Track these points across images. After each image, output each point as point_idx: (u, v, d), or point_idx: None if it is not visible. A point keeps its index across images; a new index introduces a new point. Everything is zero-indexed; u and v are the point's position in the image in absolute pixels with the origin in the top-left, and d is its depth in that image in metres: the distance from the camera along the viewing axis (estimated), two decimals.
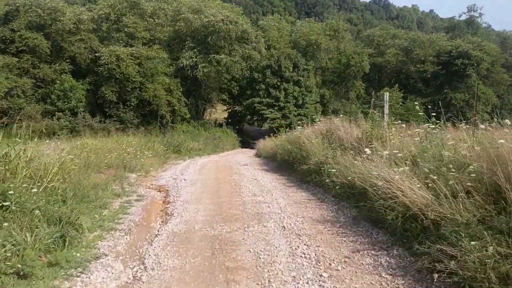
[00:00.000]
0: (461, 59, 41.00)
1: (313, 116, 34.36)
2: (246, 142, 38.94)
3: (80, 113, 23.02)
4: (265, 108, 32.54)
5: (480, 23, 57.16)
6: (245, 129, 45.00)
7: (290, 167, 10.84)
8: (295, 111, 32.84)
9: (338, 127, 9.61)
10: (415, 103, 40.42)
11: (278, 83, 32.84)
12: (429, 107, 10.08)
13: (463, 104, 42.17)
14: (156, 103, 25.72)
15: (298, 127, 12.76)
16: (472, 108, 42.02)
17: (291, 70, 32.76)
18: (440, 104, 9.08)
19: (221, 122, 39.11)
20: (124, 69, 23.62)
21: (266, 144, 17.96)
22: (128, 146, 12.30)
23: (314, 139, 9.82)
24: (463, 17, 58.85)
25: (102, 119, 23.85)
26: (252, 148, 34.80)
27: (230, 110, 40.32)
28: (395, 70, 45.95)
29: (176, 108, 27.85)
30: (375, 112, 9.34)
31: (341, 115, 13.43)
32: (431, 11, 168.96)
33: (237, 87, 38.68)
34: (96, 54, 24.77)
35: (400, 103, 40.70)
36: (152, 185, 9.61)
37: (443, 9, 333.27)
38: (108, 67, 23.40)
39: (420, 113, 8.20)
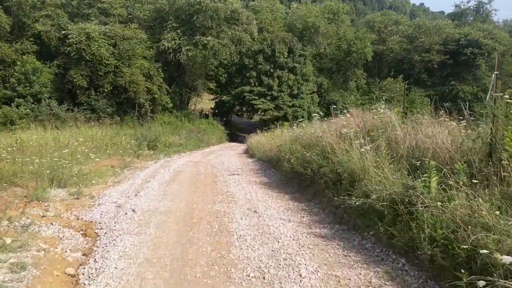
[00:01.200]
0: (470, 48, 39.96)
1: (309, 108, 33.11)
2: (234, 135, 37.50)
3: (45, 100, 21.18)
4: (256, 97, 31.05)
5: (489, 10, 56.05)
6: (233, 121, 43.51)
7: (309, 184, 7.73)
8: (289, 101, 31.39)
9: (393, 125, 6.21)
10: (421, 95, 39.57)
11: (271, 70, 31.34)
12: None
13: (471, 97, 41.24)
14: (133, 90, 23.99)
15: (315, 119, 9.90)
16: (480, 102, 41.11)
17: (285, 56, 31.26)
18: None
19: (207, 113, 37.54)
20: (95, 50, 21.80)
21: (260, 141, 16.33)
22: (89, 141, 10.56)
23: (356, 146, 5.99)
24: (471, 3, 57.83)
25: (71, 107, 22.06)
26: (241, 142, 33.35)
27: (217, 100, 38.75)
28: (398, 59, 44.78)
29: (156, 96, 26.19)
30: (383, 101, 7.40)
31: (346, 108, 11.69)
32: (422, 4, 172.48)
33: (225, 75, 37.11)
34: (64, 32, 22.86)
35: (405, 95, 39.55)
36: (77, 219, 5.78)
37: (432, 2, 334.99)
38: (77, 47, 21.57)
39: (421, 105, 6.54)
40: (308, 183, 7.76)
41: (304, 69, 32.71)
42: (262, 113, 31.34)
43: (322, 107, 35.33)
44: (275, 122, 31.47)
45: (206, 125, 29.87)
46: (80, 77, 22.20)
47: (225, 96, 36.28)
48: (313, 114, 21.43)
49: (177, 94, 32.66)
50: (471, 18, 54.60)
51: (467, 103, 5.60)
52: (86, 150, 9.54)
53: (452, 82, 41.43)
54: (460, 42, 41.28)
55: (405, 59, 44.15)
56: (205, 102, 42.28)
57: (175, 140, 17.94)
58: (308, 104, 32.39)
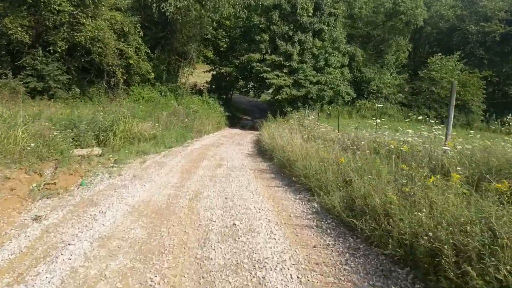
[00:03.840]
0: None
1: (339, 86, 28.26)
2: (236, 118, 32.83)
3: None
4: (269, 69, 26.04)
5: None
6: (234, 101, 38.68)
7: None
8: (313, 76, 26.39)
9: None
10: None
11: (290, 33, 26.28)
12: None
13: None
14: (98, 52, 19.18)
15: None
16: None
17: (310, 14, 26.11)
18: None
19: (201, 88, 32.68)
20: None
21: (285, 138, 11.48)
22: None
23: None
24: None
25: (8, 71, 17.22)
26: (244, 128, 28.74)
27: (215, 73, 33.80)
28: (443, 31, 39.65)
29: (132, 62, 21.45)
30: None
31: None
32: None
33: (227, 39, 32.16)
34: None
35: (457, 76, 34.82)
36: None
37: None
38: None
39: None
40: None
41: (335, 34, 27.61)
42: (276, 91, 26.39)
43: (352, 85, 30.47)
44: (292, 104, 26.84)
45: (200, 105, 25.02)
46: (20, 29, 17.28)
47: (225, 68, 31.33)
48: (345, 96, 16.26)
49: (163, 61, 27.90)
50: None
51: None
52: None
53: None
54: None
55: (457, 29, 38.98)
56: (199, 75, 37.42)
57: (147, 128, 12.80)
58: (337, 81, 27.41)
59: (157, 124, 14.73)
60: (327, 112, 26.14)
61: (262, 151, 14.42)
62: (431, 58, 35.96)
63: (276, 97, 25.93)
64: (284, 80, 25.73)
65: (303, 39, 26.04)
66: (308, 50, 26.55)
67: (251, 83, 31.13)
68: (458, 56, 35.05)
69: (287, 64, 26.02)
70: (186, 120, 17.98)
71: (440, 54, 35.55)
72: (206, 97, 27.32)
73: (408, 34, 34.32)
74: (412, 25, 32.75)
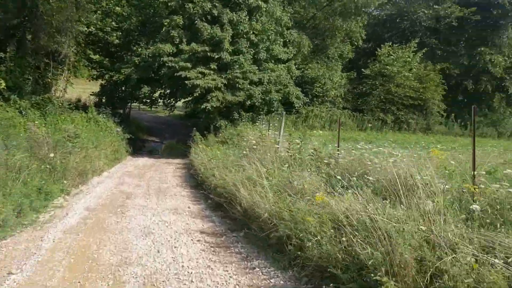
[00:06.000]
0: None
1: (287, 88, 21.66)
2: (140, 141, 25.12)
3: None
4: (188, 65, 18.52)
5: None
6: (133, 117, 30.59)
7: None
8: (254, 73, 19.37)
9: None
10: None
11: (216, 12, 19.13)
12: None
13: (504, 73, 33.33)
14: None
15: None
16: None
17: None
18: None
19: (85, 102, 24.37)
20: None
21: None
22: None
23: None
24: None
25: None
26: (157, 156, 21.15)
27: (104, 82, 25.61)
28: (396, 15, 35.48)
29: None
30: None
31: None
32: None
33: (120, 33, 24.38)
34: None
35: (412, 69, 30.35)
36: None
37: None
38: None
39: None
40: None
41: (278, 12, 20.93)
42: (200, 97, 18.99)
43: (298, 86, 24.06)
44: (226, 116, 19.67)
45: (84, 125, 16.81)
46: None
47: (118, 74, 23.19)
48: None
49: (25, 66, 19.79)
50: None
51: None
52: None
53: (480, 49, 32.82)
54: None
55: (403, 15, 34.76)
56: (85, 86, 29.07)
57: None
58: (285, 80, 20.75)
59: None
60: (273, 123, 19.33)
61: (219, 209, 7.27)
62: (378, 50, 31.17)
63: (202, 107, 18.43)
64: (213, 79, 18.31)
65: (236, 19, 18.92)
66: (244, 37, 19.52)
67: (161, 90, 23.28)
68: (415, 45, 30.51)
69: (216, 57, 18.65)
70: (53, 155, 9.83)
71: (390, 43, 30.86)
72: (93, 113, 19.06)
73: (364, 17, 28.96)
74: (365, 7, 27.46)
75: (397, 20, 35.62)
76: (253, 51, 19.80)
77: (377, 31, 36.33)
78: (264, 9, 20.10)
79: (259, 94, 19.04)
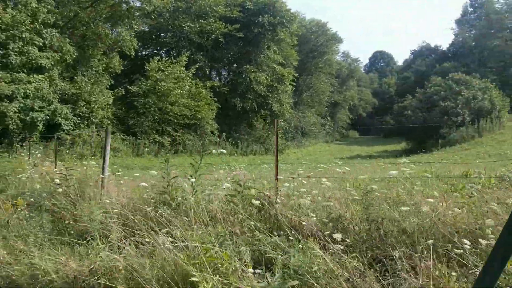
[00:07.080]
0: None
1: (52, 104, 16.45)
2: None
3: None
4: None
5: None
6: None
7: None
8: (5, 82, 14.04)
9: None
10: None
11: None
12: None
13: (267, 91, 34.52)
14: None
15: None
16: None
17: None
18: None
19: None
20: None
21: None
22: None
23: None
24: None
25: None
26: None
27: None
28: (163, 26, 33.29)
29: None
30: None
31: None
32: None
33: None
34: None
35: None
36: None
37: None
38: None
39: None
40: None
41: (34, 2, 15.88)
42: None
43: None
44: None
45: None
46: None
47: None
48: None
49: None
50: None
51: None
52: None
53: (246, 66, 33.13)
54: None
55: (169, 26, 32.63)
56: None
57: None
58: (49, 95, 15.95)
59: None
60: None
61: None
62: (148, 64, 28.31)
63: None
64: None
65: None
66: None
67: None
68: (186, 59, 28.59)
69: None
70: None
71: (161, 57, 28.33)
72: None
73: (136, 23, 25.36)
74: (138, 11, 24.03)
75: (161, 35, 33.53)
76: (2, 52, 14.40)
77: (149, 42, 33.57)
78: None
79: (14, 113, 13.83)
